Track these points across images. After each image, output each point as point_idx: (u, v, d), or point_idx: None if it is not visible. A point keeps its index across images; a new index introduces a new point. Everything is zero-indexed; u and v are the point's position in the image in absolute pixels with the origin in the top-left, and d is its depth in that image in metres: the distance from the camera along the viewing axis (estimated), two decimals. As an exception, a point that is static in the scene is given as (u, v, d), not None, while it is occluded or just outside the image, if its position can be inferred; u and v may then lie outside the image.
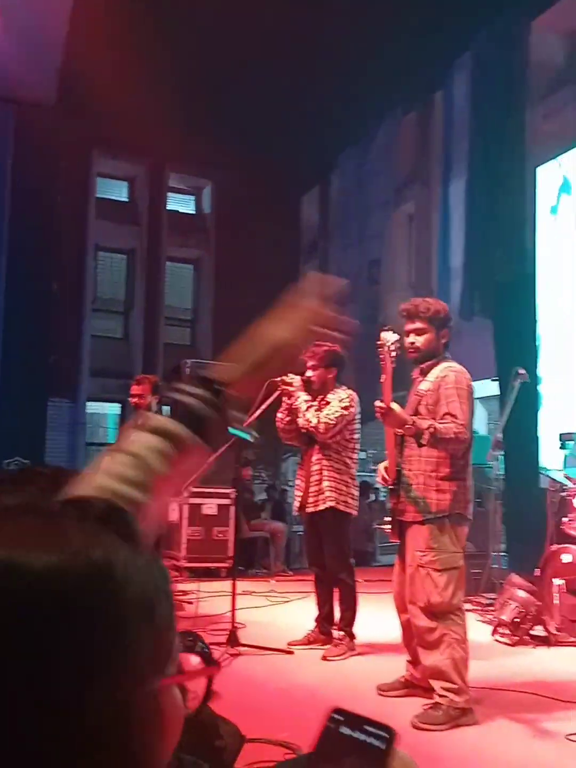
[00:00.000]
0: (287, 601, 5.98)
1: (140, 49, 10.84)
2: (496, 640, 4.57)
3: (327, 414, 4.17)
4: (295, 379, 4.29)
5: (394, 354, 3.11)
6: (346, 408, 4.20)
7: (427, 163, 10.83)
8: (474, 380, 10.51)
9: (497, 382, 8.17)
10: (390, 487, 3.32)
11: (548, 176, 7.58)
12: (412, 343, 3.28)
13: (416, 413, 3.20)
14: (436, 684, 3.05)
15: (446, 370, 3.23)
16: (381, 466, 3.39)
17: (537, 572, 4.90)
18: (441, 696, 3.03)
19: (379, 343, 3.12)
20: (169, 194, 14.13)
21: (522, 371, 5.49)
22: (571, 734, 2.86)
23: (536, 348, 7.63)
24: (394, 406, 3.05)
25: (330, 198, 13.33)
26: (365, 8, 9.20)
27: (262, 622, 5.18)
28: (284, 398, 4.29)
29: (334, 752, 0.72)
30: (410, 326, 3.29)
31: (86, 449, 13.91)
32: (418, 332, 3.27)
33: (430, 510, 3.14)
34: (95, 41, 10.49)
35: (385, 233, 11.44)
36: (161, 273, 13.95)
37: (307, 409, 4.21)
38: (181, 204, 14.57)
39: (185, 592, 6.18)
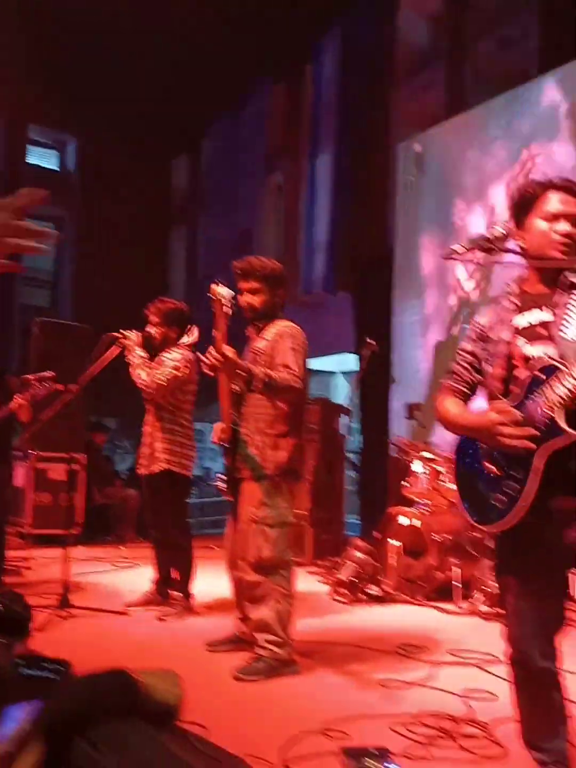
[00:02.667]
0: (134, 567, 5.88)
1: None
2: (334, 599, 4.69)
3: (159, 374, 4.09)
4: (132, 335, 4.18)
5: (226, 309, 3.06)
6: (177, 369, 4.10)
7: (296, 135, 10.85)
8: (336, 354, 10.68)
9: (357, 357, 8.37)
10: (225, 445, 3.29)
11: (407, 154, 7.77)
12: (249, 303, 3.27)
13: None
14: (260, 636, 3.09)
15: (282, 328, 3.24)
16: (216, 426, 3.35)
17: (376, 534, 5.07)
18: (264, 648, 3.07)
19: (211, 296, 3.07)
20: (30, 147, 13.40)
21: (371, 341, 5.61)
22: (383, 679, 2.98)
23: (390, 322, 7.85)
24: (228, 351, 2.98)
25: (201, 164, 13.12)
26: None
27: (104, 586, 5.08)
28: (125, 353, 4.18)
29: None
30: (245, 285, 3.26)
31: None
32: (253, 291, 3.25)
33: (266, 468, 3.14)
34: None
35: (254, 202, 11.40)
36: (20, 230, 13.24)
37: (138, 366, 4.11)
38: (42, 158, 13.84)
39: (25, 559, 5.99)
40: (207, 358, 3.03)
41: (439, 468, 4.86)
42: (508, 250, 1.92)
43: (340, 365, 10.97)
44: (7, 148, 13.12)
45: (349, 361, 9.24)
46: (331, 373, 11.49)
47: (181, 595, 4.22)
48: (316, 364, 11.09)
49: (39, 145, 13.86)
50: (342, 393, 10.87)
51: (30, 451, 7.17)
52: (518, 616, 1.89)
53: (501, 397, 1.88)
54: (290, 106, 10.94)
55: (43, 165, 13.94)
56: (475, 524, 1.93)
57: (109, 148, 12.29)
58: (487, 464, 1.89)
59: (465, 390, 2.03)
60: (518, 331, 1.91)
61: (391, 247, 8.05)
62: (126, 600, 4.35)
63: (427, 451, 5.07)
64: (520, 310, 1.93)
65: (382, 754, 2.21)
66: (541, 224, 1.91)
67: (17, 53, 10.73)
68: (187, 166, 13.56)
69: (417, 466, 5.03)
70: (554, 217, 1.90)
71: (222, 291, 3.05)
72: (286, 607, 3.11)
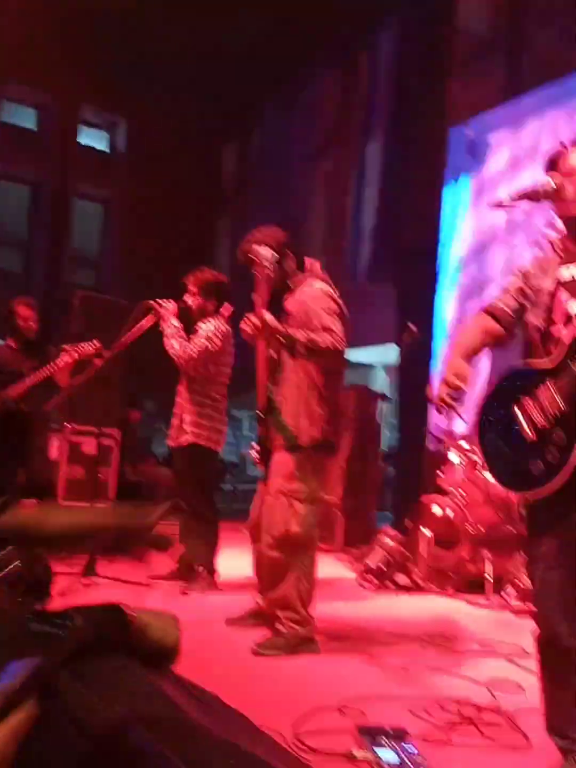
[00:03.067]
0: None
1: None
2: (361, 586, 4.60)
3: (191, 345, 4.02)
4: (168, 304, 4.12)
5: (268, 271, 2.98)
6: (209, 340, 4.02)
7: (348, 122, 10.72)
8: (377, 345, 10.56)
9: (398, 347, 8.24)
10: (259, 414, 3.19)
11: (459, 139, 7.60)
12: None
13: None
14: (281, 613, 3.01)
15: (312, 285, 3.12)
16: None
17: (408, 523, 4.96)
18: (283, 624, 2.99)
19: (252, 257, 2.98)
20: (82, 127, 13.50)
21: (412, 327, 5.48)
22: (405, 663, 2.88)
23: (434, 315, 7.69)
24: (268, 316, 2.91)
25: (251, 151, 13.07)
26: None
27: (131, 559, 5.05)
28: (160, 322, 4.13)
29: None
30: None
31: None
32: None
33: (300, 438, 3.02)
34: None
35: (302, 192, 11.31)
36: (68, 209, 13.37)
37: (171, 335, 4.06)
38: (94, 139, 13.95)
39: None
40: (246, 323, 2.95)
41: (476, 458, 4.72)
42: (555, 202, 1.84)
43: (381, 357, 10.83)
44: (59, 128, 13.25)
45: (390, 354, 9.09)
46: (371, 365, 11.36)
47: (204, 569, 4.16)
48: (356, 355, 10.99)
49: (90, 125, 13.98)
50: (381, 385, 10.74)
51: (64, 424, 7.20)
52: (547, 589, 1.79)
53: (540, 352, 1.78)
54: (343, 94, 10.82)
55: (93, 146, 14.06)
56: (507, 488, 1.82)
57: (159, 130, 12.32)
58: (523, 428, 1.78)
59: (508, 315, 1.93)
60: (562, 284, 1.80)
61: (438, 236, 7.89)
62: (151, 572, 4.33)
63: (465, 440, 4.93)
64: (565, 262, 1.82)
65: (399, 735, 2.12)
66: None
67: (70, 34, 10.81)
68: (237, 152, 13.53)
69: (453, 456, 4.90)
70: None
71: (263, 251, 2.97)
72: (307, 586, 3.02)
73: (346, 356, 3.14)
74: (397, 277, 8.68)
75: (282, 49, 10.27)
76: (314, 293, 3.08)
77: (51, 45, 11.01)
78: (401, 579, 4.56)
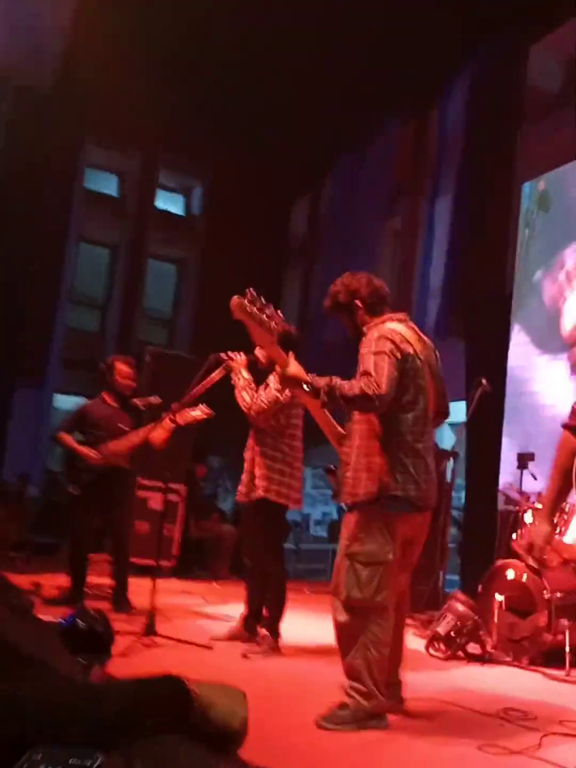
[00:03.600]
0: (224, 603, 5.73)
1: (140, 41, 10.77)
2: (430, 654, 4.36)
3: (262, 397, 3.97)
4: (239, 356, 4.11)
5: (265, 322, 2.82)
6: (279, 391, 3.93)
7: (418, 177, 10.76)
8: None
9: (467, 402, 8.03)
10: (331, 468, 3.08)
11: (532, 192, 7.50)
12: (349, 331, 3.10)
13: None
14: (347, 683, 2.83)
15: (372, 331, 2.94)
16: None
17: (480, 588, 4.71)
18: (349, 696, 2.80)
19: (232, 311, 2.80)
20: (159, 191, 14.02)
21: (484, 381, 5.32)
22: (483, 745, 2.66)
23: (505, 369, 7.48)
24: (292, 364, 2.79)
25: (320, 206, 13.25)
26: (369, 18, 9.17)
27: (193, 619, 4.97)
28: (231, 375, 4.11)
29: None
30: (339, 318, 3.11)
31: (47, 441, 13.62)
32: (344, 318, 3.09)
33: (359, 493, 2.83)
34: (97, 30, 10.41)
35: (371, 246, 11.34)
36: (143, 269, 13.79)
37: (241, 388, 4.02)
38: (170, 203, 14.45)
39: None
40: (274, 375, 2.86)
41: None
42: None
43: (452, 415, 10.58)
44: (139, 193, 13.78)
45: (458, 411, 8.84)
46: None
47: (268, 633, 4.02)
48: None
49: (167, 189, 14.49)
50: (448, 444, 10.43)
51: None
52: None
53: None
54: (414, 149, 10.90)
55: (170, 210, 14.55)
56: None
57: (232, 190, 12.64)
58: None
59: None
60: None
61: (509, 289, 7.74)
62: (212, 634, 4.21)
63: (540, 501, 4.68)
64: None
65: None
66: None
67: (157, 96, 11.27)
68: (307, 209, 13.74)
69: (528, 518, 4.65)
70: None
71: (240, 302, 2.77)
72: (376, 656, 2.79)
73: (384, 400, 2.76)
74: (466, 331, 8.52)
75: (353, 106, 10.44)
76: (370, 337, 2.91)
77: (130, 110, 11.50)
78: (473, 648, 4.30)
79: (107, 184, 14.10)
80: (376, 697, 2.81)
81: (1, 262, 11.92)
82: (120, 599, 4.90)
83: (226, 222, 12.96)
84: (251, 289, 2.88)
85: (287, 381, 2.80)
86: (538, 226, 7.39)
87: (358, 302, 3.04)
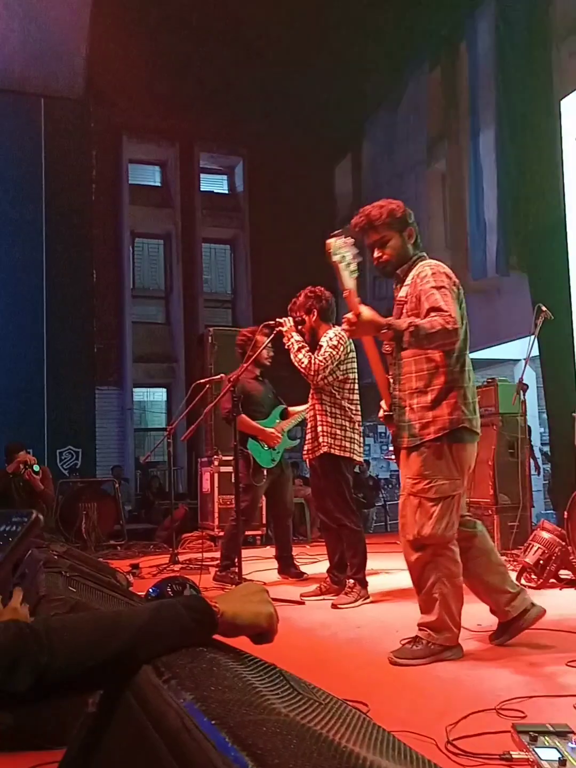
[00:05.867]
0: (315, 562, 5.85)
1: (161, 31, 10.85)
2: (523, 585, 4.34)
3: (319, 356, 4.05)
4: (288, 320, 4.18)
5: (349, 262, 2.82)
6: (333, 347, 4.02)
7: (455, 118, 10.49)
8: (515, 339, 10.09)
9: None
10: (387, 414, 3.05)
11: (571, 107, 7.18)
12: (379, 257, 2.99)
13: None
14: (424, 617, 2.87)
15: (421, 267, 2.91)
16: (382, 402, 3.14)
17: (566, 514, 4.66)
18: (420, 630, 2.85)
19: (328, 251, 2.82)
20: (202, 175, 14.11)
21: (544, 308, 5.20)
22: (571, 661, 2.67)
23: (570, 297, 7.25)
24: (364, 310, 2.73)
25: (362, 165, 13.07)
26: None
27: (286, 580, 5.10)
28: (284, 339, 4.19)
29: None
30: (371, 240, 2.98)
31: (135, 435, 14.08)
32: (381, 243, 2.96)
33: (423, 432, 2.84)
34: (117, 28, 10.54)
35: (419, 195, 11.14)
36: (198, 255, 13.96)
37: (298, 350, 4.08)
38: (213, 184, 14.54)
39: (212, 559, 6.16)
40: (345, 322, 2.84)
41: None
42: None
43: (523, 351, 10.34)
44: (182, 180, 13.93)
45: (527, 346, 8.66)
46: (514, 360, 10.87)
47: (356, 582, 4.10)
48: (497, 352, 10.57)
49: (209, 172, 14.58)
50: (525, 380, 10.21)
51: (213, 456, 7.43)
52: None
53: None
54: (447, 89, 10.61)
55: (214, 190, 14.65)
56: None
57: (273, 163, 12.63)
58: None
59: None
60: None
61: (563, 212, 7.47)
62: (303, 592, 4.32)
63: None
64: None
65: (562, 732, 1.95)
66: None
67: (186, 82, 11.36)
68: (350, 169, 13.59)
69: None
70: None
71: (338, 243, 2.80)
72: (449, 588, 2.82)
73: (462, 333, 2.81)
74: (528, 264, 8.31)
75: (380, 58, 10.24)
76: (422, 272, 2.87)
77: (163, 101, 11.61)
78: (565, 574, 4.27)
79: (151, 177, 14.31)
80: (449, 630, 2.84)
81: (65, 270, 12.31)
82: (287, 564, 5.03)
83: (270, 194, 12.98)
84: (340, 231, 2.90)
85: (364, 326, 2.74)
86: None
87: (411, 229, 3.00)
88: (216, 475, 7.37)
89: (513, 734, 1.99)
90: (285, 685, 1.04)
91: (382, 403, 3.08)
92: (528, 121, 8.24)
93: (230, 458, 7.16)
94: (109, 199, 13.34)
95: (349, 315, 2.76)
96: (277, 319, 4.24)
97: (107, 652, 0.91)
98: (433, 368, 2.86)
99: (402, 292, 2.95)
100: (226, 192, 14.62)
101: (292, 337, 4.14)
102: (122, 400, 13.86)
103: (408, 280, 2.94)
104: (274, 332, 4.26)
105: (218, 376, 5.67)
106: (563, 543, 4.24)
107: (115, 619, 0.97)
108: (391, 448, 3.19)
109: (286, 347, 4.22)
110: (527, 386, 5.51)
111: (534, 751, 1.88)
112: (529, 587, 4.27)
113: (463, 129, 10.23)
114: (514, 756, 1.88)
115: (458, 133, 10.46)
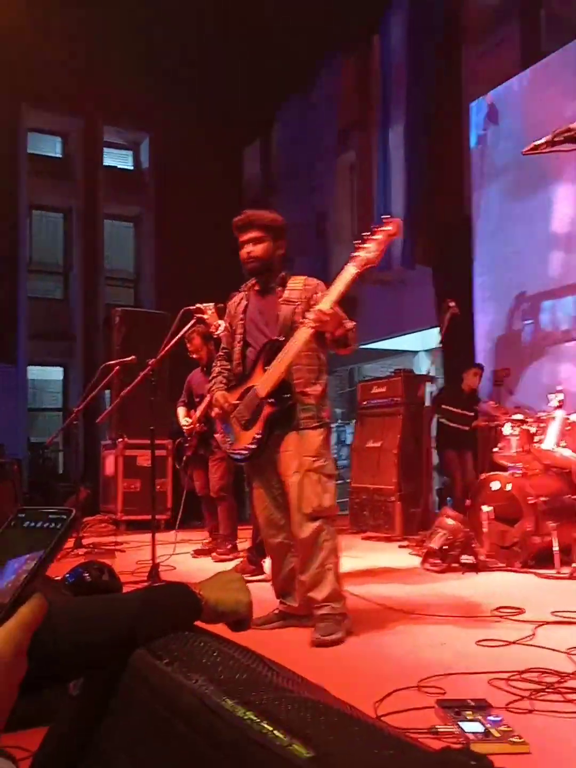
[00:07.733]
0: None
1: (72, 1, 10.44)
2: (426, 569, 4.54)
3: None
4: (210, 306, 4.21)
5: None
6: None
7: (367, 109, 10.64)
8: (420, 330, 10.42)
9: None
10: (268, 401, 3.08)
11: (480, 109, 7.49)
12: (250, 253, 3.13)
13: (293, 323, 3.08)
14: (318, 593, 2.99)
15: (314, 281, 3.20)
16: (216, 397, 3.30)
17: (468, 502, 4.89)
18: (323, 606, 2.99)
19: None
20: (106, 149, 13.68)
21: (452, 303, 5.42)
22: (481, 640, 2.83)
23: (473, 289, 7.58)
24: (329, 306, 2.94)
25: (272, 150, 13.06)
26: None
27: (196, 566, 5.11)
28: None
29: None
30: (246, 236, 3.13)
31: (28, 415, 13.59)
32: (255, 241, 3.12)
33: (323, 415, 3.13)
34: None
35: (327, 184, 11.26)
36: (99, 231, 13.56)
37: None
38: (118, 159, 14.13)
39: (117, 543, 6.10)
40: (317, 314, 2.89)
41: (530, 428, 4.63)
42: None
43: (424, 343, 10.71)
44: (84, 153, 13.45)
45: (432, 339, 8.99)
46: (414, 351, 11.24)
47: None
48: (398, 343, 10.88)
49: (114, 146, 14.16)
50: (427, 370, 10.59)
51: (118, 439, 7.30)
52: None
53: None
54: (360, 81, 10.74)
55: (118, 166, 14.25)
56: None
57: (181, 142, 12.40)
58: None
59: None
60: None
61: (468, 210, 7.78)
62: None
63: (517, 412, 4.84)
64: None
65: (481, 707, 2.08)
66: None
67: (93, 53, 10.96)
68: (260, 153, 13.53)
69: (507, 430, 4.81)
70: None
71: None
72: (336, 561, 3.07)
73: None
74: (432, 258, 8.59)
75: (294, 46, 10.24)
76: (314, 282, 3.18)
77: (68, 70, 11.19)
78: (466, 559, 4.48)
79: (51, 147, 13.75)
80: (342, 596, 3.07)
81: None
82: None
83: (177, 173, 12.74)
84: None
85: (334, 319, 2.91)
86: (489, 141, 7.39)
87: (284, 242, 3.25)
88: (120, 459, 7.25)
89: (437, 710, 2.10)
90: (267, 667, 1.07)
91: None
92: (436, 120, 8.48)
93: (135, 442, 7.10)
94: (6, 169, 12.73)
95: (324, 307, 2.89)
96: (198, 305, 4.21)
97: (109, 633, 0.91)
98: (320, 365, 3.18)
99: (293, 295, 3.17)
100: (132, 168, 14.25)
101: (215, 323, 4.18)
102: (16, 377, 13.32)
103: (296, 285, 3.18)
104: (195, 319, 4.22)
105: (129, 358, 5.57)
106: (466, 529, 4.45)
107: (109, 603, 0.97)
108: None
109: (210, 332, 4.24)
110: (435, 378, 5.71)
111: (459, 725, 1.99)
112: (433, 571, 4.48)
113: (373, 121, 10.40)
114: (440, 730, 1.99)
115: (368, 124, 10.62)
